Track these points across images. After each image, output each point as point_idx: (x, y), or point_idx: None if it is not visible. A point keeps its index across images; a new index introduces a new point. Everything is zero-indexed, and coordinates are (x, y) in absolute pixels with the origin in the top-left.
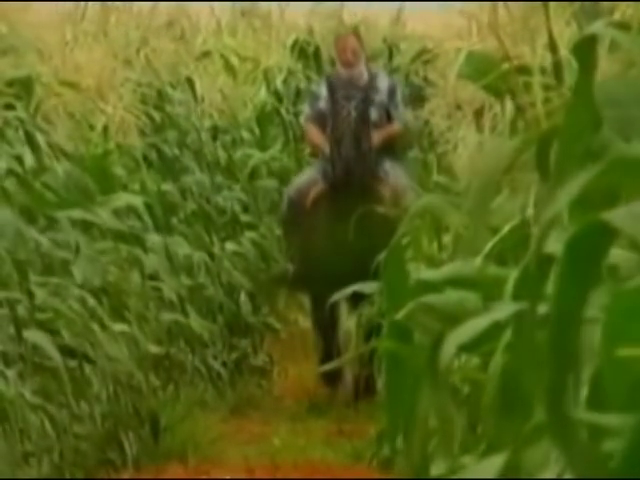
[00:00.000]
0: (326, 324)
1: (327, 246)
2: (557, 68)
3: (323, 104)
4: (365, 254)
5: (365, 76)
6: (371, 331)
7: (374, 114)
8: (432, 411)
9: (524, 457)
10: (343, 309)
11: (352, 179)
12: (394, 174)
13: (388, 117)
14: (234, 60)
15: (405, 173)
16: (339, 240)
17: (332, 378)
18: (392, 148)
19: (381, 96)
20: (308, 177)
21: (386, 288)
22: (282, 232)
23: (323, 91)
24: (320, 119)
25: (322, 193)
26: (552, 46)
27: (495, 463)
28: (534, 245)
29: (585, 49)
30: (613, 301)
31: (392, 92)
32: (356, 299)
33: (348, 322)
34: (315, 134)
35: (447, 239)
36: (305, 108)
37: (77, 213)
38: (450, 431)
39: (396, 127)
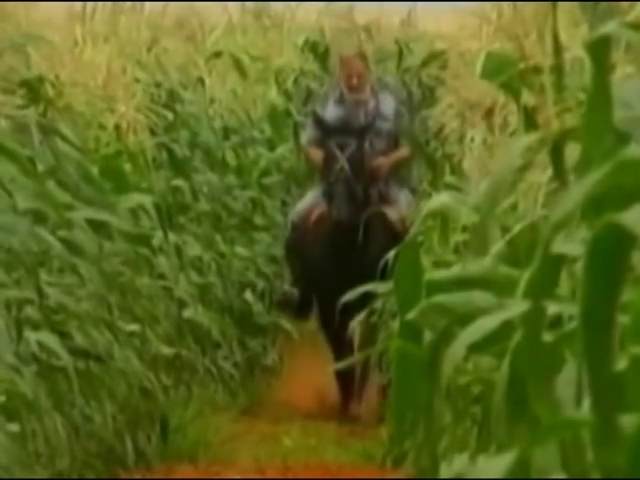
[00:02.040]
0: (340, 347)
1: (332, 269)
2: (559, 69)
3: (328, 121)
4: (372, 276)
5: (372, 102)
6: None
7: (382, 144)
8: (431, 411)
9: (533, 457)
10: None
11: (348, 230)
12: (404, 200)
13: (397, 144)
14: (245, 60)
15: (413, 199)
16: (344, 263)
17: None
18: (398, 173)
19: (389, 124)
20: (310, 200)
21: (398, 287)
22: (285, 257)
23: (327, 114)
24: (322, 143)
25: (324, 216)
26: (556, 47)
27: (504, 462)
28: (542, 245)
29: (599, 49)
30: (635, 302)
31: (398, 117)
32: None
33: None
34: (318, 156)
35: (458, 239)
36: (307, 130)
37: (89, 213)
38: (438, 430)
39: (404, 153)
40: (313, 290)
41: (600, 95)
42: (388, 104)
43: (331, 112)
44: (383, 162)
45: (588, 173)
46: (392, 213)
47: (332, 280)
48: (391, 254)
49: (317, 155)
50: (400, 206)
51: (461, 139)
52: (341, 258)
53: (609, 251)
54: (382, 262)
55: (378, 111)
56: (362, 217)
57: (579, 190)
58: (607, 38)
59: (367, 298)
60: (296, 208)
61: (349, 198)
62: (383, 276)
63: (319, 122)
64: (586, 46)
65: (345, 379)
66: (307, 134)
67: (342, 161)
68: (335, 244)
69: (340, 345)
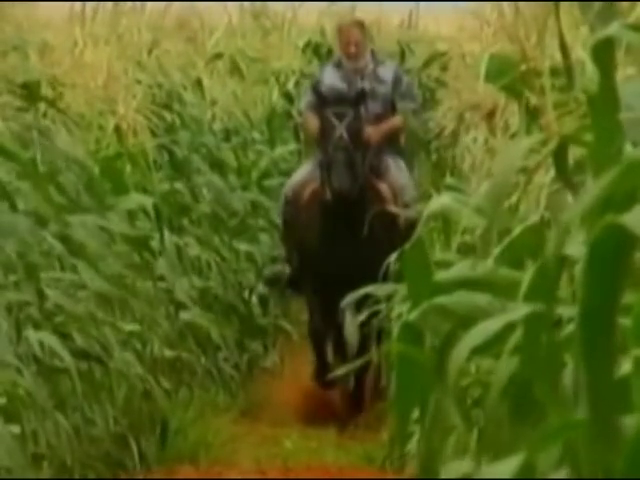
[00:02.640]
0: (320, 330)
1: (323, 247)
2: (569, 71)
3: (325, 90)
4: (364, 255)
5: (370, 66)
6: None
7: (378, 107)
8: (437, 414)
9: (539, 458)
10: (347, 314)
11: (347, 200)
12: (394, 170)
13: (394, 108)
14: (245, 61)
15: (406, 168)
16: (337, 240)
17: (328, 378)
18: (394, 142)
19: (386, 87)
20: (304, 174)
21: (409, 289)
22: (280, 232)
23: (325, 78)
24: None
25: (318, 191)
26: (563, 48)
27: (510, 466)
28: (552, 248)
29: (603, 51)
30: (637, 305)
31: (397, 82)
32: (359, 303)
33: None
34: (313, 123)
35: (459, 240)
36: (306, 94)
37: (89, 216)
38: (448, 435)
39: (397, 121)
40: (305, 267)
41: (606, 97)
42: (387, 68)
43: (329, 77)
44: (373, 132)
45: (597, 174)
46: (384, 186)
47: (325, 257)
48: (383, 229)
49: (314, 123)
50: (392, 177)
51: (462, 141)
52: (334, 235)
53: (609, 252)
54: (373, 238)
55: (376, 74)
56: (357, 187)
57: (591, 193)
58: (610, 40)
59: (361, 282)
60: (290, 181)
61: (348, 167)
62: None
63: (316, 89)
64: (590, 48)
65: (320, 350)
66: (305, 99)
67: (340, 130)
68: (328, 221)
69: (321, 339)
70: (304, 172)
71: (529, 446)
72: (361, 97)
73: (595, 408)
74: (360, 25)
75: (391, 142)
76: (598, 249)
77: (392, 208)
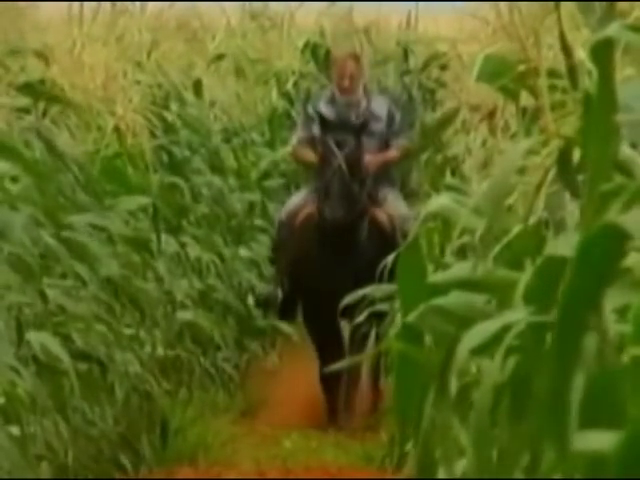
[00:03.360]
0: (324, 349)
1: (317, 272)
2: (572, 72)
3: (317, 130)
4: (358, 279)
5: (363, 105)
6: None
7: (373, 144)
8: (435, 414)
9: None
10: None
11: (338, 229)
12: (393, 200)
13: (387, 145)
14: (245, 62)
15: (403, 201)
16: (330, 264)
17: (335, 410)
18: (389, 174)
19: (380, 125)
20: (299, 199)
21: (401, 290)
22: (272, 256)
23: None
24: (313, 144)
25: (312, 215)
26: (565, 49)
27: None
28: (551, 249)
29: (602, 52)
30: (635, 307)
31: (391, 120)
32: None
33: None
34: (308, 154)
35: (458, 241)
36: (297, 131)
37: (88, 217)
38: (450, 435)
39: (393, 153)
40: (298, 291)
41: (604, 98)
42: (380, 105)
43: (323, 112)
44: (370, 160)
45: (592, 176)
46: (380, 214)
47: (318, 282)
48: (380, 257)
49: (309, 153)
50: (388, 206)
51: (463, 141)
52: (328, 259)
53: (599, 249)
54: (369, 264)
55: (370, 111)
56: (352, 217)
57: (589, 196)
58: (610, 41)
59: (355, 302)
60: (285, 206)
61: (344, 196)
62: (375, 280)
63: (320, 118)
64: (589, 49)
65: (331, 387)
66: (298, 134)
67: (340, 158)
68: (321, 245)
69: (326, 349)
70: (299, 198)
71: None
72: (365, 125)
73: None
74: (355, 57)
75: (386, 174)
76: (589, 246)
77: (390, 233)
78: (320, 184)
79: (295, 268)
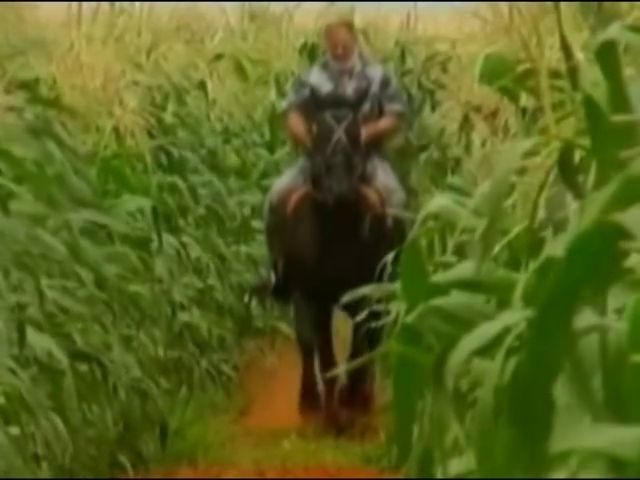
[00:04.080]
0: (309, 340)
1: (311, 254)
2: (572, 72)
3: (309, 94)
4: (355, 258)
5: (358, 67)
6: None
7: (366, 107)
8: (434, 414)
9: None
10: (337, 319)
11: (346, 203)
12: (381, 173)
13: (380, 110)
14: (245, 63)
15: (392, 171)
16: (324, 248)
17: (310, 401)
18: (380, 145)
19: (374, 88)
20: (288, 180)
21: (404, 291)
22: (266, 240)
23: (312, 79)
24: (304, 108)
25: (304, 198)
26: (565, 49)
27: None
28: (551, 249)
29: (607, 54)
30: (633, 307)
31: (385, 83)
32: (352, 309)
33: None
34: (298, 126)
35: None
36: (289, 94)
37: (88, 217)
38: (445, 437)
39: (385, 123)
40: (293, 273)
41: (615, 99)
42: (375, 69)
43: (315, 79)
44: (363, 132)
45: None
46: (371, 191)
47: (314, 263)
48: (371, 236)
49: (299, 125)
50: (379, 182)
51: (463, 140)
52: (322, 240)
53: (592, 247)
54: (363, 245)
55: (364, 74)
56: (354, 192)
57: (594, 199)
58: (613, 42)
59: (354, 286)
60: (274, 189)
61: (347, 170)
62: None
63: (305, 90)
64: (594, 51)
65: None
66: (288, 99)
67: (339, 133)
68: (316, 226)
69: (320, 335)
70: (288, 179)
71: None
72: (362, 98)
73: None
74: (348, 26)
75: (377, 145)
76: (581, 242)
77: (380, 211)
78: (318, 160)
79: (290, 251)
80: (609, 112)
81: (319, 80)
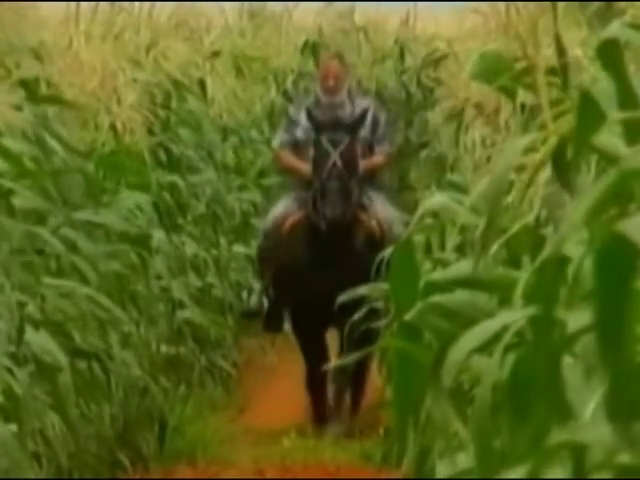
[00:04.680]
0: (311, 359)
1: (304, 278)
2: (564, 69)
3: (300, 133)
4: (348, 285)
5: (347, 106)
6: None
7: (357, 149)
8: (432, 412)
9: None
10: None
11: (339, 229)
12: (379, 205)
13: (371, 150)
14: (244, 60)
15: (390, 203)
16: (318, 271)
17: (322, 416)
18: (375, 179)
19: (364, 131)
20: (283, 208)
21: (393, 286)
22: (257, 267)
23: (302, 119)
24: (296, 148)
25: (299, 222)
26: (559, 47)
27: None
28: (551, 250)
29: (609, 52)
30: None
31: (375, 125)
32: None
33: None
34: (292, 159)
35: (457, 239)
36: (279, 133)
37: (87, 214)
38: (447, 434)
39: (379, 159)
40: (285, 300)
41: (623, 96)
42: (365, 108)
43: (305, 117)
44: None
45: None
46: (369, 219)
47: (308, 289)
48: (370, 262)
49: (294, 159)
50: (376, 211)
51: (462, 138)
52: (318, 266)
53: (616, 261)
54: (359, 270)
55: (354, 113)
56: (349, 215)
57: (587, 197)
58: (615, 40)
59: (345, 310)
60: (268, 216)
61: (342, 195)
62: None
63: (312, 119)
64: (596, 50)
65: (318, 394)
66: (279, 137)
67: (334, 157)
68: (312, 252)
69: (315, 357)
70: (282, 207)
71: (535, 456)
72: (358, 122)
73: (613, 417)
74: (340, 57)
75: (371, 179)
76: (605, 261)
77: (379, 237)
78: (315, 185)
79: (283, 277)
80: (615, 109)
81: (312, 111)
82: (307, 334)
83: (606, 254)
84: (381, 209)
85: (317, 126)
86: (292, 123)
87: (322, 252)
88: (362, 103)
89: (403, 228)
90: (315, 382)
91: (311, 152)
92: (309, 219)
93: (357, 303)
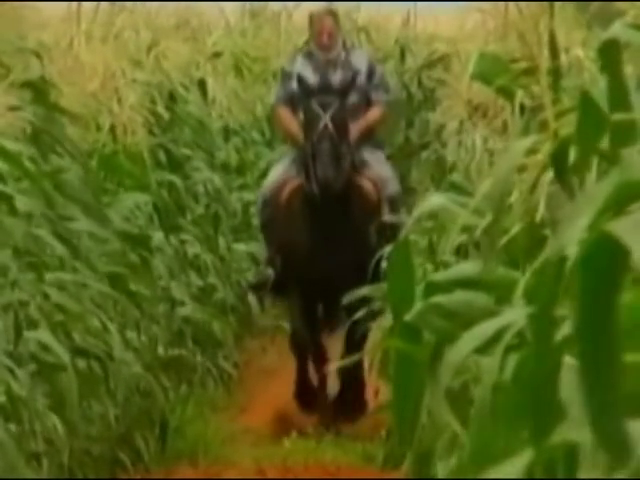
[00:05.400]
0: (303, 339)
1: (307, 246)
2: (556, 70)
3: (295, 85)
4: (349, 251)
5: (340, 65)
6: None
7: (354, 98)
8: (431, 412)
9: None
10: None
11: (331, 193)
12: (375, 163)
13: (368, 99)
14: (245, 61)
15: (386, 160)
16: (322, 237)
17: (308, 399)
18: (372, 137)
19: (360, 78)
20: (280, 174)
21: (390, 287)
22: (262, 236)
23: (296, 68)
24: (292, 101)
25: (298, 190)
26: (553, 48)
27: (518, 464)
28: (551, 251)
29: (609, 53)
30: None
31: (371, 73)
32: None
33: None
34: (288, 120)
35: (458, 240)
36: (276, 89)
37: (88, 215)
38: (442, 434)
39: (375, 114)
40: (289, 267)
41: (617, 98)
42: (360, 58)
43: (300, 69)
44: (353, 128)
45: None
46: (365, 182)
47: (310, 255)
48: (367, 225)
49: (288, 119)
50: (373, 172)
51: (463, 139)
52: (319, 231)
53: (602, 262)
54: (357, 234)
55: (350, 64)
56: (342, 178)
57: (593, 201)
58: (616, 41)
59: (349, 282)
60: (266, 183)
61: (333, 158)
62: (364, 275)
63: (291, 81)
64: (597, 51)
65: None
66: (276, 93)
67: (325, 120)
68: (311, 218)
69: (304, 349)
70: (279, 172)
71: (535, 451)
72: (348, 86)
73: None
74: (333, 14)
75: (369, 135)
76: (591, 261)
77: (375, 199)
78: (306, 148)
79: (285, 245)
80: (608, 110)
81: (304, 69)
82: (310, 307)
83: (593, 253)
84: (376, 168)
85: (306, 90)
86: (287, 77)
87: (320, 221)
88: (357, 57)
89: (398, 187)
90: (300, 347)
91: (301, 116)
92: (306, 185)
93: (357, 279)
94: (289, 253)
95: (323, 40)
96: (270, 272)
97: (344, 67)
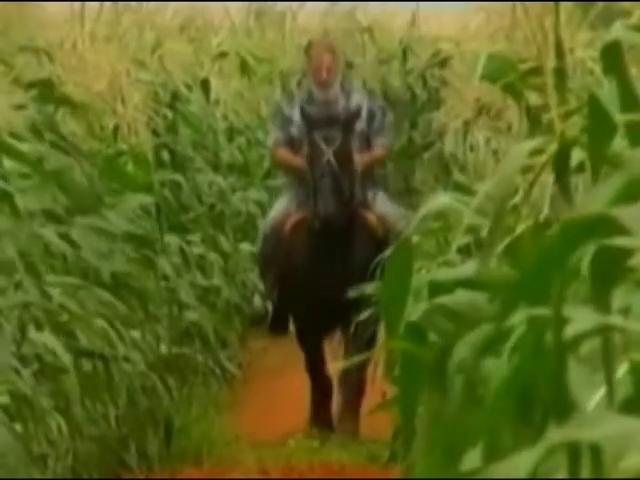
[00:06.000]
0: (315, 363)
1: (307, 281)
2: (561, 71)
3: (295, 130)
4: (352, 284)
5: (342, 100)
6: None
7: (354, 143)
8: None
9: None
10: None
11: (334, 228)
12: (379, 201)
13: (368, 143)
14: (249, 61)
15: (389, 199)
16: (324, 270)
17: (326, 419)
18: (372, 175)
19: (360, 123)
20: (282, 209)
21: (385, 287)
22: (259, 271)
23: (296, 116)
24: (291, 145)
25: (300, 224)
26: (558, 49)
27: (522, 464)
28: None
29: (612, 54)
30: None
31: (371, 117)
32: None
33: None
34: (290, 157)
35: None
36: (274, 131)
37: (92, 215)
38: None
39: (377, 153)
40: (290, 302)
41: (625, 98)
42: (359, 102)
43: (306, 122)
44: (357, 159)
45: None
46: (370, 216)
47: (311, 289)
48: (373, 260)
49: (291, 156)
50: (378, 207)
51: (467, 140)
52: (320, 266)
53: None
54: (362, 269)
55: (349, 108)
56: (344, 214)
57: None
58: (618, 43)
59: (347, 311)
60: (269, 218)
61: (335, 194)
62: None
63: (305, 116)
64: (600, 52)
65: (322, 397)
66: (274, 135)
67: (328, 155)
68: (314, 251)
69: (319, 360)
70: (281, 207)
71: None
72: (352, 118)
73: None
74: (332, 51)
75: (369, 174)
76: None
77: (382, 235)
78: (309, 183)
79: (286, 279)
80: (617, 111)
81: (305, 106)
82: (310, 338)
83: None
84: (382, 205)
85: (310, 123)
86: (286, 120)
87: (323, 253)
88: (356, 97)
89: (404, 224)
90: (320, 389)
91: (305, 150)
92: (309, 220)
93: (359, 305)
94: (289, 286)
95: (322, 76)
96: (268, 307)
97: (344, 108)
